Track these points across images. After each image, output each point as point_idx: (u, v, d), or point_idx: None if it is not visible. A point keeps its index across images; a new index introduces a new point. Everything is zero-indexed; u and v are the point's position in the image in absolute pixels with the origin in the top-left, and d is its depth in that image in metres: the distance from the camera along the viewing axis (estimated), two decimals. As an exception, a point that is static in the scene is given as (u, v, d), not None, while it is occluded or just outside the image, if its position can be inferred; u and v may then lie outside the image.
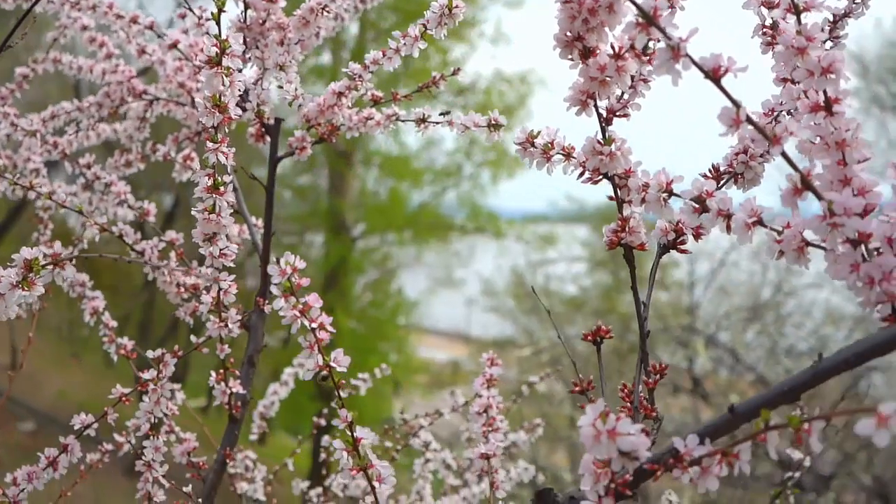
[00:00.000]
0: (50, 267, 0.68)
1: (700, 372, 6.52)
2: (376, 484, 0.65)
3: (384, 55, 0.91)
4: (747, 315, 6.76)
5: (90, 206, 1.12)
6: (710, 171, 0.69)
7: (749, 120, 0.50)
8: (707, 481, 0.52)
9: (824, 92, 0.54)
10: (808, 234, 0.55)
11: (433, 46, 12.84)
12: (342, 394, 0.63)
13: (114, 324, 1.10)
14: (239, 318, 0.91)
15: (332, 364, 0.63)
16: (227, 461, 0.99)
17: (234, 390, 0.97)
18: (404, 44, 0.89)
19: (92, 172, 1.11)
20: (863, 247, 0.53)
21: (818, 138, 0.54)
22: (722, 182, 0.69)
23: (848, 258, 0.51)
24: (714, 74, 0.51)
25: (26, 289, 0.68)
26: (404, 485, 1.50)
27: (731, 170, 0.69)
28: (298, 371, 1.51)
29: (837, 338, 6.87)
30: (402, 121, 0.97)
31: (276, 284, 0.61)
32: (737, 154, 0.68)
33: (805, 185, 0.51)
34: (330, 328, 0.63)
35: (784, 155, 0.51)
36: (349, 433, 0.65)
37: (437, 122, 0.94)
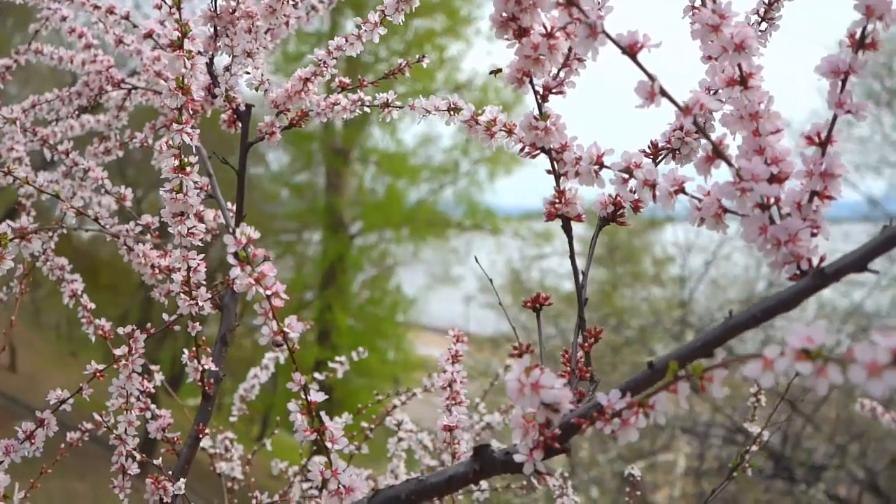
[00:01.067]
0: (17, 240, 0.72)
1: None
2: (329, 444, 0.68)
3: (346, 41, 0.94)
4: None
5: (69, 193, 1.15)
6: (648, 146, 0.72)
7: (663, 92, 0.54)
8: (627, 433, 0.55)
9: (739, 66, 0.57)
10: (726, 202, 0.59)
11: (430, 44, 12.87)
12: (293, 358, 0.67)
13: (92, 305, 1.13)
14: (209, 296, 0.94)
15: (286, 330, 0.67)
16: (200, 436, 1.02)
17: (206, 367, 1.00)
18: (365, 30, 0.92)
19: (70, 159, 1.14)
20: (774, 211, 0.56)
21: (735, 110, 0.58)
22: (660, 157, 0.72)
23: (757, 221, 0.55)
24: (631, 50, 0.54)
25: (-3, 262, 0.71)
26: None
27: (668, 145, 0.72)
28: (280, 356, 1.54)
29: (828, 328, 6.89)
30: (368, 106, 1.00)
31: (231, 254, 0.65)
32: (674, 130, 0.72)
33: (717, 153, 0.55)
34: (284, 296, 0.66)
35: (697, 125, 0.55)
36: (304, 396, 0.68)
37: (400, 107, 0.97)
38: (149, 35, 1.09)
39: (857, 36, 0.55)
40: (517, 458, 0.58)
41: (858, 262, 0.51)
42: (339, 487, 0.67)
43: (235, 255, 0.65)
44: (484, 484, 1.26)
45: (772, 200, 0.54)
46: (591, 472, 5.56)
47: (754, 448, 1.11)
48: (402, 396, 1.40)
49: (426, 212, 13.93)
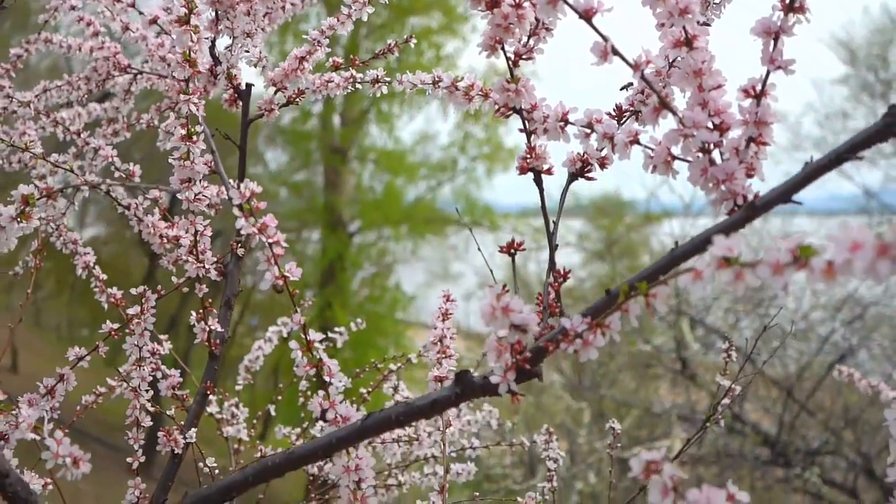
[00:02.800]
0: (44, 200, 0.79)
1: (693, 358, 6.65)
2: (327, 378, 0.76)
3: (338, 20, 1.02)
4: (734, 298, 6.87)
5: (80, 171, 1.22)
6: (613, 109, 0.80)
7: (615, 51, 0.61)
8: (587, 351, 0.62)
9: (684, 29, 0.64)
10: (675, 150, 0.66)
11: (426, 42, 12.91)
12: (292, 300, 0.74)
13: (104, 276, 1.21)
14: (214, 259, 1.02)
15: (287, 274, 0.74)
16: (208, 392, 1.09)
17: (212, 328, 1.07)
18: (354, 9, 1.00)
19: (82, 139, 1.21)
20: (716, 155, 0.64)
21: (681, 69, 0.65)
22: (624, 118, 0.80)
23: (699, 164, 0.62)
24: (587, 15, 0.62)
25: (23, 220, 0.78)
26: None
27: (631, 108, 0.79)
28: (283, 329, 1.62)
29: (822, 317, 6.99)
30: (359, 82, 1.08)
31: (236, 206, 0.72)
32: (637, 94, 0.79)
33: (662, 104, 0.62)
34: (284, 244, 0.74)
35: (644, 79, 0.62)
36: (303, 335, 0.76)
37: (388, 81, 1.05)
38: (154, 21, 1.17)
39: (787, 0, 0.62)
40: (493, 379, 0.65)
41: (784, 195, 0.58)
42: (336, 416, 0.75)
43: (240, 206, 0.73)
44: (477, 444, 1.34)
45: (712, 146, 0.62)
46: (589, 460, 5.65)
47: (726, 401, 1.19)
48: (398, 362, 1.48)
49: (424, 209, 14.00)
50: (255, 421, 1.49)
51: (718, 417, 1.16)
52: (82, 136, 1.21)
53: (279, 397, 1.65)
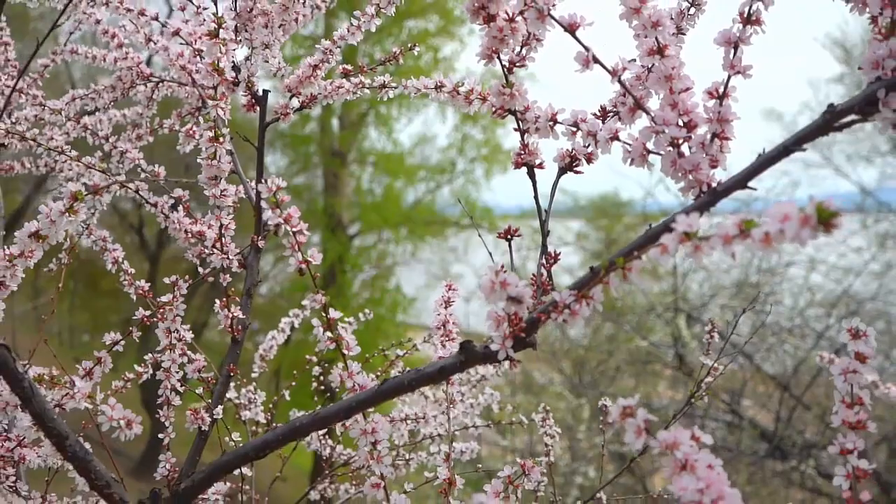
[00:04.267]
0: (90, 196, 0.89)
1: (691, 355, 6.74)
2: (346, 351, 0.85)
3: (349, 31, 1.12)
4: (733, 292, 6.97)
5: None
6: (598, 110, 0.89)
7: (595, 59, 0.71)
8: (575, 321, 0.72)
9: (656, 40, 0.74)
10: (649, 145, 0.76)
11: (424, 45, 12.99)
12: (314, 281, 0.84)
13: (132, 270, 1.30)
14: (238, 251, 1.11)
15: (309, 259, 0.84)
16: (231, 374, 1.19)
17: (235, 315, 1.17)
18: (363, 21, 1.09)
19: (110, 143, 1.31)
20: (685, 149, 0.73)
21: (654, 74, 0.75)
22: (608, 118, 0.89)
23: (669, 156, 0.72)
24: (571, 28, 0.71)
25: (72, 215, 0.88)
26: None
27: (614, 109, 0.89)
28: (294, 320, 1.71)
29: (818, 313, 7.08)
30: (368, 87, 1.17)
31: (264, 199, 0.81)
32: (618, 97, 0.89)
33: (637, 105, 0.72)
34: (306, 232, 0.83)
35: (621, 83, 0.72)
36: (324, 314, 0.85)
37: (395, 87, 1.14)
38: (176, 33, 1.27)
39: (745, 14, 0.72)
40: (493, 347, 0.75)
41: (741, 182, 0.68)
42: (354, 385, 0.84)
43: (267, 199, 0.82)
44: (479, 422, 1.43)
45: (681, 140, 0.71)
46: (588, 455, 5.74)
47: (708, 379, 1.28)
48: (404, 348, 1.57)
49: (424, 211, 14.09)
50: (271, 405, 1.58)
51: (703, 394, 1.26)
52: (110, 140, 1.30)
53: (293, 383, 1.74)
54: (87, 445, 0.87)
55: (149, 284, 1.27)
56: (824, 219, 0.48)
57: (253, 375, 1.62)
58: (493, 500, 0.55)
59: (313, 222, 12.20)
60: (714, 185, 0.71)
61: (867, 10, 0.67)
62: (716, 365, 1.29)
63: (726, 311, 7.57)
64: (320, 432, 1.57)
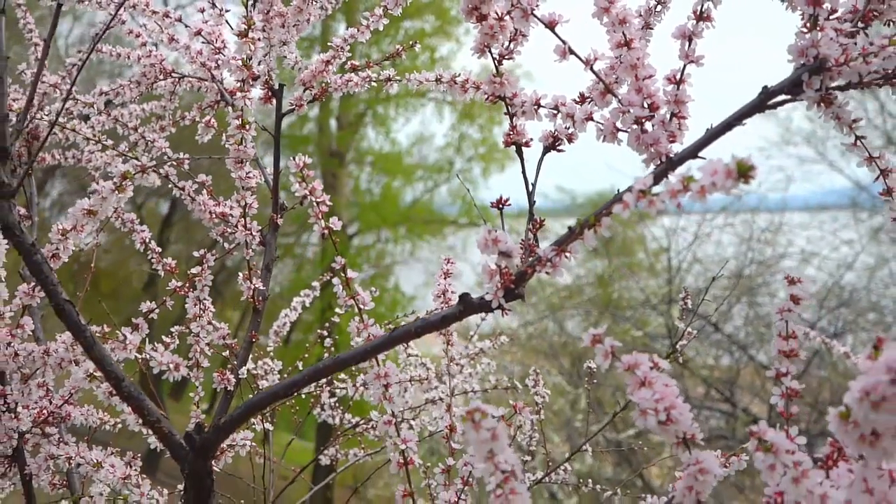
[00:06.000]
0: (139, 174, 1.02)
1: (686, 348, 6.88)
2: (362, 306, 0.98)
3: (358, 30, 1.25)
4: (728, 285, 7.12)
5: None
6: (578, 95, 1.03)
7: (571, 51, 0.84)
8: (556, 272, 0.85)
9: (623, 34, 0.87)
10: (619, 124, 0.89)
11: (420, 45, 13.08)
12: (335, 244, 0.97)
13: (159, 249, 1.43)
14: (260, 228, 1.24)
15: (331, 226, 0.97)
16: (253, 340, 1.32)
17: (256, 287, 1.30)
18: (372, 21, 1.23)
19: (139, 133, 1.44)
20: (647, 126, 0.86)
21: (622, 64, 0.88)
22: (586, 102, 1.02)
23: (635, 133, 0.85)
24: (551, 25, 0.85)
25: (120, 192, 1.01)
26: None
27: (591, 95, 1.02)
28: (304, 300, 1.84)
29: (809, 304, 7.20)
30: (374, 81, 1.31)
31: (293, 173, 0.95)
32: (594, 83, 1.02)
33: (607, 90, 0.85)
34: (328, 202, 0.96)
35: (593, 72, 0.85)
36: (343, 274, 0.99)
37: (399, 80, 1.27)
38: (198, 33, 1.40)
39: (698, 11, 0.85)
40: (487, 297, 0.88)
41: (692, 153, 0.81)
42: (368, 336, 0.97)
43: (295, 174, 0.96)
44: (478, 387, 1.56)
45: (644, 119, 0.85)
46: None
47: (683, 341, 1.41)
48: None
49: (422, 210, 14.20)
50: (285, 375, 1.71)
51: (678, 356, 1.39)
52: (139, 130, 1.43)
53: (306, 355, 1.87)
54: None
55: (174, 261, 1.40)
56: (743, 171, 0.61)
57: (269, 349, 1.75)
58: (491, 408, 0.68)
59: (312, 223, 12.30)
60: (671, 156, 0.84)
61: (797, 7, 0.81)
62: (689, 329, 1.42)
63: (718, 301, 7.72)
64: (332, 400, 1.70)
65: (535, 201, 0.99)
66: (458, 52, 12.64)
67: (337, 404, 1.73)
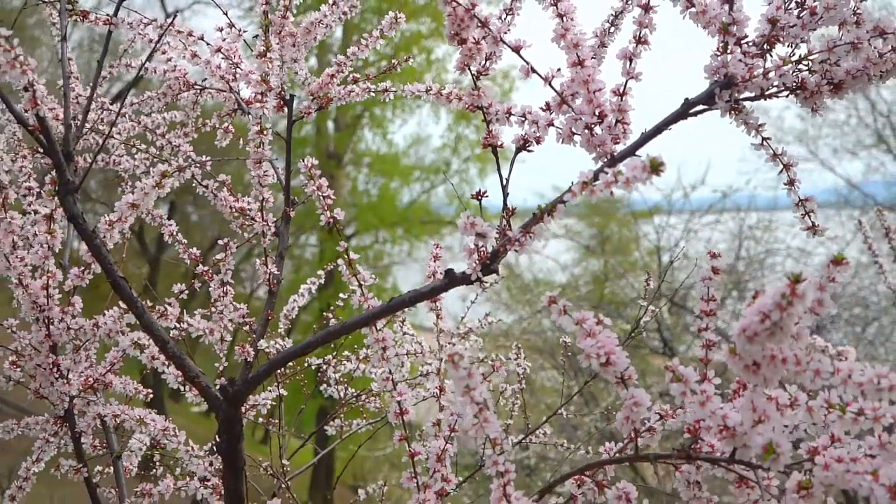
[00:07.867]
0: (177, 173, 1.21)
1: (677, 340, 7.09)
2: (362, 282, 1.18)
3: (359, 48, 1.44)
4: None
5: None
6: (545, 104, 1.22)
7: (533, 70, 1.04)
8: (525, 247, 1.04)
9: (577, 55, 1.07)
10: (574, 129, 1.08)
11: (416, 47, 13.27)
12: (339, 233, 1.16)
13: (185, 241, 1.63)
14: (275, 219, 1.44)
15: (335, 216, 1.16)
16: (269, 318, 1.51)
17: (272, 271, 1.49)
18: (370, 41, 1.43)
19: (166, 139, 1.63)
20: (597, 130, 1.06)
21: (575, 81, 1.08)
22: (550, 112, 1.22)
23: (586, 136, 1.05)
24: (516, 49, 1.04)
25: (160, 188, 1.20)
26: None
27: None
28: (311, 287, 2.04)
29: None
30: (374, 92, 1.50)
31: (302, 173, 1.14)
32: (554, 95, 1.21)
33: (562, 101, 1.05)
34: (333, 196, 1.16)
35: (551, 86, 1.05)
36: (346, 256, 1.18)
37: (395, 91, 1.47)
38: (218, 50, 1.59)
39: (637, 36, 1.05)
40: (468, 271, 1.07)
41: (630, 152, 1.00)
42: (369, 307, 1.17)
43: (304, 173, 1.15)
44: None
45: (594, 125, 1.04)
46: (578, 433, 6.07)
47: (646, 318, 1.60)
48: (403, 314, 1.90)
49: (419, 211, 14.38)
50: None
51: (641, 330, 1.58)
52: (166, 136, 1.63)
53: (314, 326, 2.06)
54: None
55: (199, 251, 1.59)
56: (654, 166, 0.81)
57: (280, 331, 1.95)
58: (468, 352, 0.88)
59: (310, 223, 12.50)
60: (615, 154, 1.04)
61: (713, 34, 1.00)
62: (651, 308, 1.61)
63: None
64: (338, 374, 1.90)
65: (508, 193, 1.18)
66: (453, 53, 12.83)
67: (342, 378, 1.92)
